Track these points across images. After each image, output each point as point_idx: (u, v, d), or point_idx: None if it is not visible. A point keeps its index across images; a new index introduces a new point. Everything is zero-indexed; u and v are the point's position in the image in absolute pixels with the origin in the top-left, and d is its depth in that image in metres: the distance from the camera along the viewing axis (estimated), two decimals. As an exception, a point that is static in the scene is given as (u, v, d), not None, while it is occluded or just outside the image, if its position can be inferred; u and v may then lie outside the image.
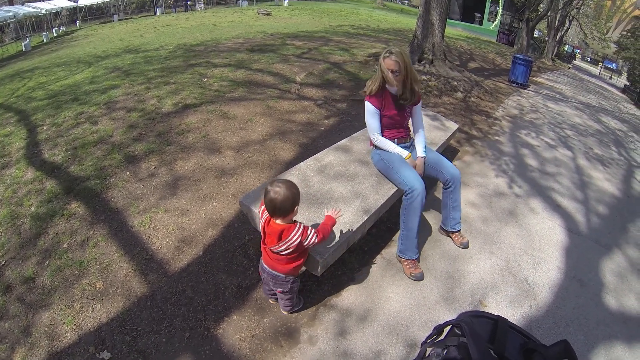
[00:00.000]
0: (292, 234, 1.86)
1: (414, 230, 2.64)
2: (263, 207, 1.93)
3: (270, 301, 2.40)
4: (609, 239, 3.56)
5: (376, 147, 2.93)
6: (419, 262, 2.78)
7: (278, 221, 1.88)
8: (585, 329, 2.50)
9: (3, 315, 2.41)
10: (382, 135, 2.86)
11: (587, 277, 2.98)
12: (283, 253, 1.91)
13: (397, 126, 2.91)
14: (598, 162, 5.47)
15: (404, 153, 2.81)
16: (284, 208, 1.82)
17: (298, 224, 1.91)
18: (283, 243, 1.86)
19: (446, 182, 2.88)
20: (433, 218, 3.37)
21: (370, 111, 2.77)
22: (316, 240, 1.93)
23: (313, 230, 1.93)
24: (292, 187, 1.84)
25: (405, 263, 2.73)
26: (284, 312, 2.35)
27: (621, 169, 5.42)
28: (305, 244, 1.91)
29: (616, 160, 5.75)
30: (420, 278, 2.69)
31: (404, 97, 2.76)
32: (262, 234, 1.98)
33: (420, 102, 2.92)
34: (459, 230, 3.06)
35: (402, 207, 2.68)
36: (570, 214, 3.83)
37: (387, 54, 2.63)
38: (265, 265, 2.08)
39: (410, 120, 2.99)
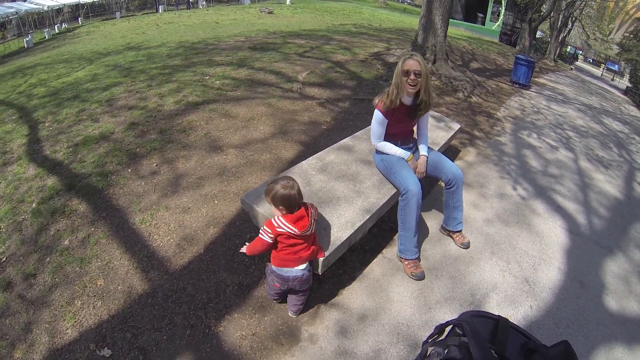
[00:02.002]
0: (309, 206, 2.07)
1: (411, 230, 2.65)
2: (270, 223, 2.00)
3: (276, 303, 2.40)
4: (610, 240, 3.56)
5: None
6: (419, 261, 2.78)
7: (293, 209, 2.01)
8: (586, 330, 2.50)
9: (4, 311, 2.41)
10: (386, 139, 2.87)
11: (588, 279, 2.98)
12: (314, 230, 2.05)
13: (403, 133, 2.93)
14: (599, 164, 5.46)
15: (405, 155, 2.81)
16: (301, 194, 2.03)
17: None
18: (311, 217, 2.02)
19: (448, 182, 2.87)
20: (434, 218, 3.37)
21: (378, 119, 2.75)
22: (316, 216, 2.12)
23: None
24: (292, 178, 2.05)
25: (406, 263, 2.74)
26: (292, 316, 2.32)
27: (622, 171, 5.42)
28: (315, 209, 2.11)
29: (617, 162, 5.75)
30: (421, 277, 2.69)
31: (421, 107, 2.71)
32: (291, 235, 1.98)
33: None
34: (461, 230, 3.06)
35: (399, 207, 2.69)
36: (572, 216, 3.83)
37: (409, 55, 2.58)
38: (288, 273, 2.05)
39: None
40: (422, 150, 2.92)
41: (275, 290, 2.20)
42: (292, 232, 1.95)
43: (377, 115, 2.73)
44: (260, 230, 2.03)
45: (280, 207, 1.99)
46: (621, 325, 2.60)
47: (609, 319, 2.64)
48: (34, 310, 2.39)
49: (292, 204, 1.97)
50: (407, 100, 2.70)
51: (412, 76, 2.53)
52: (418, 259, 2.76)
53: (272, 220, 1.99)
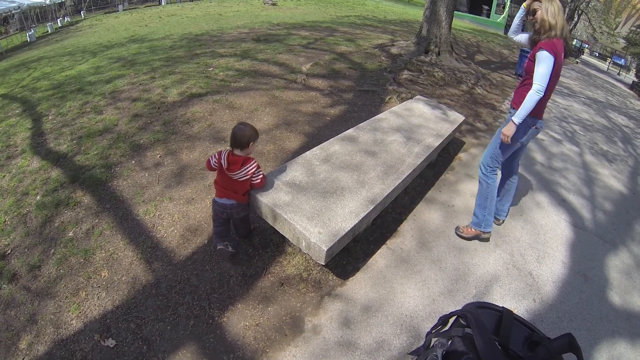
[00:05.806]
0: (251, 162, 2.29)
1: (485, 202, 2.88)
2: (221, 151, 2.30)
3: (219, 247, 2.50)
4: (614, 235, 3.54)
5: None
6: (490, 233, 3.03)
7: (237, 152, 2.28)
8: (589, 324, 2.50)
9: (9, 303, 2.43)
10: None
11: (591, 273, 2.97)
12: (241, 179, 2.28)
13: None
14: (604, 158, 5.42)
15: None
16: (243, 140, 2.24)
17: (254, 159, 2.33)
18: (244, 169, 2.26)
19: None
20: (438, 210, 3.35)
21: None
22: (260, 179, 2.35)
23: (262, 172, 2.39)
24: (251, 127, 2.28)
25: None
26: (238, 239, 2.70)
27: (627, 166, 5.38)
28: (257, 172, 2.32)
29: (622, 157, 5.71)
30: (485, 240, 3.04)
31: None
32: (222, 167, 2.27)
33: (541, 51, 2.42)
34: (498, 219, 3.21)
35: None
36: (576, 209, 3.81)
37: None
38: (223, 201, 2.35)
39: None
40: (515, 114, 2.63)
41: (218, 221, 2.45)
42: (223, 166, 2.25)
43: None
44: (214, 153, 2.33)
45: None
46: (624, 320, 2.59)
47: (612, 313, 2.63)
48: (38, 301, 2.40)
49: (232, 139, 2.25)
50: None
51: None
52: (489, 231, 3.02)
53: (223, 150, 2.30)
